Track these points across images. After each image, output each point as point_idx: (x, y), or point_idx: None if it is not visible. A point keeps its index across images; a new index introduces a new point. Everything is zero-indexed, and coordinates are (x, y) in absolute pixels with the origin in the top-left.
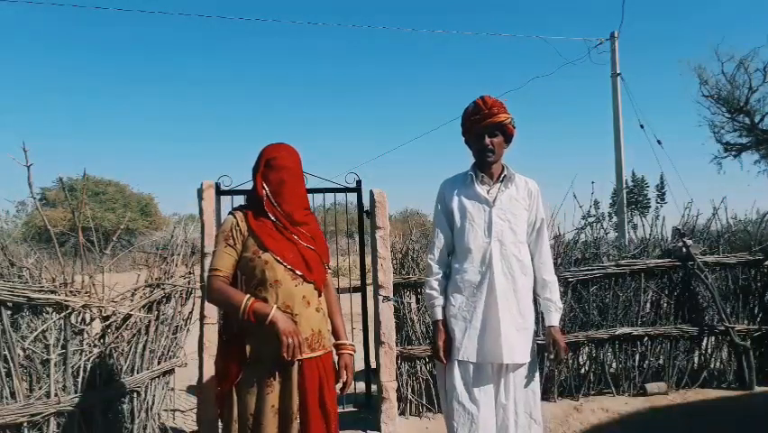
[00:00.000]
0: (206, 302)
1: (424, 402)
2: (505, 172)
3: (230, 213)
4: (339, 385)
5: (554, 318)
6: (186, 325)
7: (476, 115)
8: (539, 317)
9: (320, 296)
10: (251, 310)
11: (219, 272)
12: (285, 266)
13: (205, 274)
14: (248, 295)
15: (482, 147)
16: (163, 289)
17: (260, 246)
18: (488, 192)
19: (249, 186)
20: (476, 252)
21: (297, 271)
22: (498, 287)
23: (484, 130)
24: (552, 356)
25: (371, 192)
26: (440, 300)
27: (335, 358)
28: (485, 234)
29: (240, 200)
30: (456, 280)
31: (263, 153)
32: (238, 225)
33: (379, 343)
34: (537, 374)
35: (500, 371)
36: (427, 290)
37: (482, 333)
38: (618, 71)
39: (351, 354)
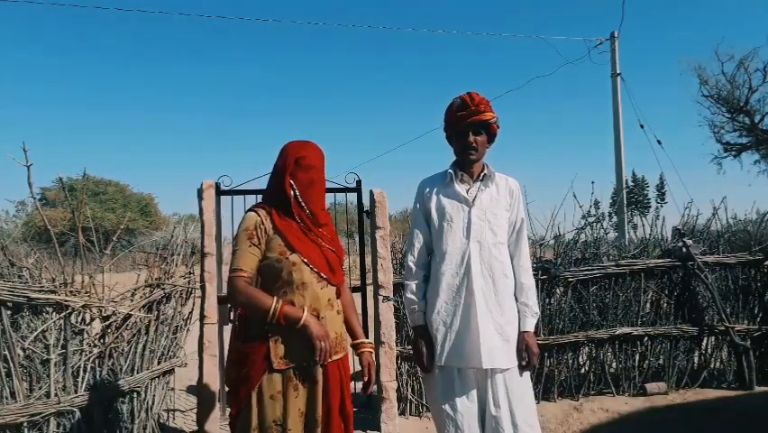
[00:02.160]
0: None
1: (424, 402)
2: (485, 171)
3: (251, 210)
4: (362, 384)
5: (529, 324)
6: (186, 325)
7: (462, 111)
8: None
9: (339, 298)
10: (282, 314)
11: (243, 273)
12: (311, 268)
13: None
14: (276, 297)
15: (466, 145)
16: (163, 289)
17: (287, 247)
18: (467, 191)
19: (249, 185)
20: (454, 253)
21: (323, 274)
22: (476, 289)
23: (469, 127)
24: (523, 363)
25: (371, 192)
26: (421, 305)
27: (355, 357)
28: (463, 234)
29: (240, 200)
30: (435, 283)
31: (290, 151)
32: (262, 224)
33: (379, 343)
34: (528, 376)
35: (486, 376)
36: (407, 295)
37: (462, 337)
38: (618, 71)
39: (371, 352)
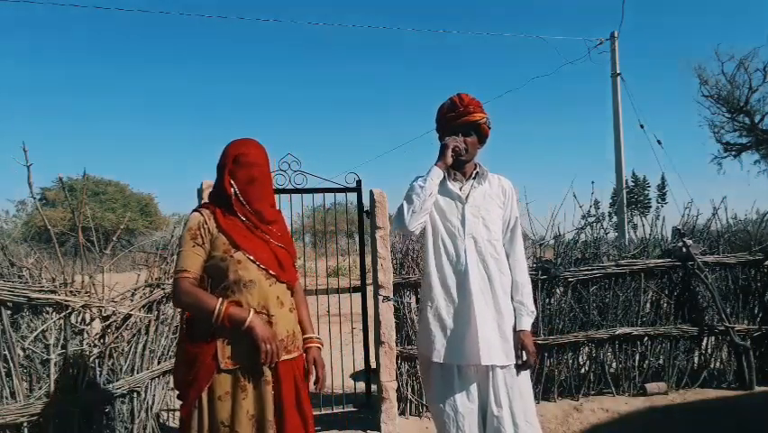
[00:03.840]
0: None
1: (424, 402)
2: (477, 170)
3: (195, 210)
4: (312, 381)
5: (526, 323)
6: None
7: (451, 112)
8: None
9: (292, 296)
10: (227, 315)
11: (188, 274)
12: (258, 266)
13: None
14: (221, 299)
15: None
16: (163, 289)
17: (232, 245)
18: (460, 189)
19: None
20: (450, 250)
21: (271, 271)
22: (473, 286)
23: (459, 128)
24: (520, 362)
25: (371, 192)
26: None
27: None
28: (458, 231)
29: None
30: (431, 281)
31: (229, 150)
32: (206, 224)
33: (379, 343)
34: (528, 375)
35: (486, 375)
36: (417, 183)
37: (460, 334)
38: (618, 71)
39: (318, 348)
